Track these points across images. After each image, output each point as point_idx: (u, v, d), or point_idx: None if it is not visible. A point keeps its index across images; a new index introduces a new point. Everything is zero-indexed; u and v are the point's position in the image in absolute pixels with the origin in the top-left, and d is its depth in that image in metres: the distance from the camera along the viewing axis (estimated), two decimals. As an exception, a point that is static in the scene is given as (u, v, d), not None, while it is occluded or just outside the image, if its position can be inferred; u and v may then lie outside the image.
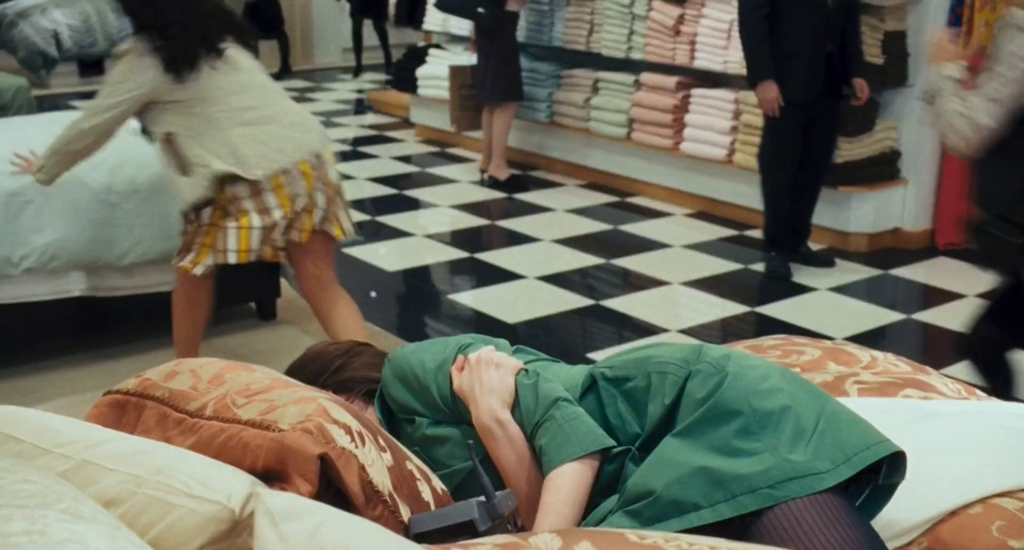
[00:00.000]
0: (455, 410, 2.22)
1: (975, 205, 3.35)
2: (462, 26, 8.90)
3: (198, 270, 4.12)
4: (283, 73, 13.16)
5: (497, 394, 2.14)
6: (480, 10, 7.65)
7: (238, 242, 4.05)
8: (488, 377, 2.16)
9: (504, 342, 2.38)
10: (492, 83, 7.79)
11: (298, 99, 11.71)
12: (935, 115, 3.25)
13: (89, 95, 5.49)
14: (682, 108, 7.35)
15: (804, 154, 6.01)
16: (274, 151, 4.01)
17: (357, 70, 13.09)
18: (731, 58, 6.94)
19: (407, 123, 10.13)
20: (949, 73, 3.30)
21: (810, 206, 6.22)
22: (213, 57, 3.99)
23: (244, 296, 5.40)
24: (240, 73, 4.08)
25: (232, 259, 4.07)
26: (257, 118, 4.04)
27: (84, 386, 4.55)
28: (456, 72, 8.43)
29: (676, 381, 2.05)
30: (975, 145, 3.15)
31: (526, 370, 2.20)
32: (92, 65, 12.91)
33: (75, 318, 4.83)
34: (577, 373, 2.24)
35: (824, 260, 6.24)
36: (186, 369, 2.07)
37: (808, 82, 5.83)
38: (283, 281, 5.46)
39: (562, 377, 2.21)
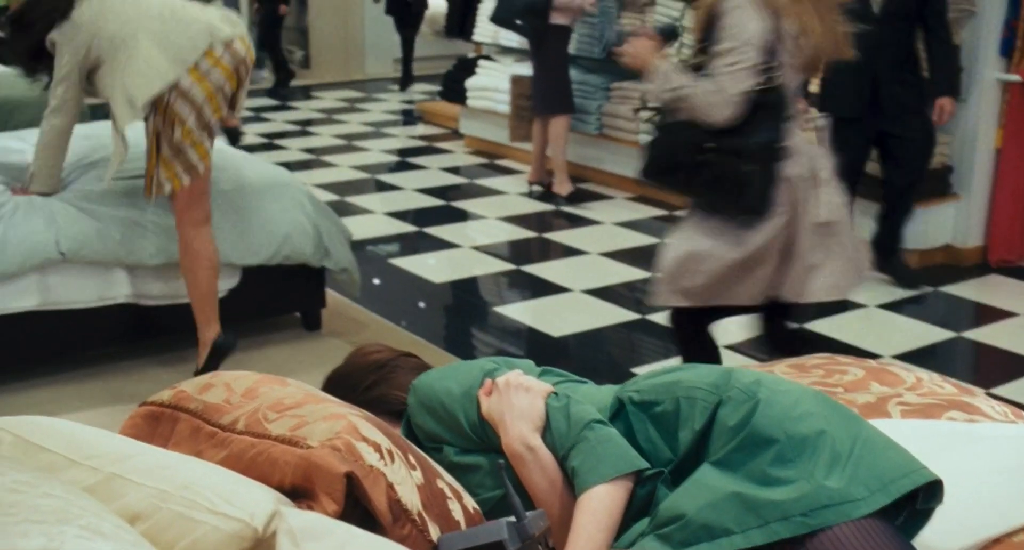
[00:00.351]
0: (484, 437, 2.18)
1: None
2: (512, 38, 8.89)
3: (182, 183, 4.43)
4: (281, 85, 13.21)
5: (527, 419, 2.11)
6: (518, 22, 7.68)
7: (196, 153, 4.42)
8: (518, 401, 2.12)
9: (530, 363, 2.35)
10: (542, 95, 7.79)
11: (347, 110, 11.78)
12: (685, 106, 3.47)
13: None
14: (732, 121, 7.31)
15: (885, 172, 6.01)
16: (155, 77, 4.26)
17: (404, 82, 13.11)
18: (782, 71, 6.89)
19: (456, 134, 10.14)
20: (671, 67, 3.54)
21: (889, 225, 6.13)
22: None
23: (289, 306, 5.41)
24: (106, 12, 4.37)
25: (201, 170, 4.45)
26: (127, 57, 4.30)
27: (126, 394, 4.57)
28: (516, 82, 8.43)
29: (706, 407, 2.01)
30: (735, 113, 3.41)
31: (555, 393, 2.17)
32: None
33: (120, 326, 4.85)
34: (605, 395, 2.20)
35: (913, 279, 6.15)
36: (220, 382, 2.07)
37: (853, 97, 5.79)
38: (328, 291, 5.47)
39: (590, 399, 2.18)
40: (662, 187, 3.87)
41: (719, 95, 3.38)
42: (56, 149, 4.59)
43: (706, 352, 3.97)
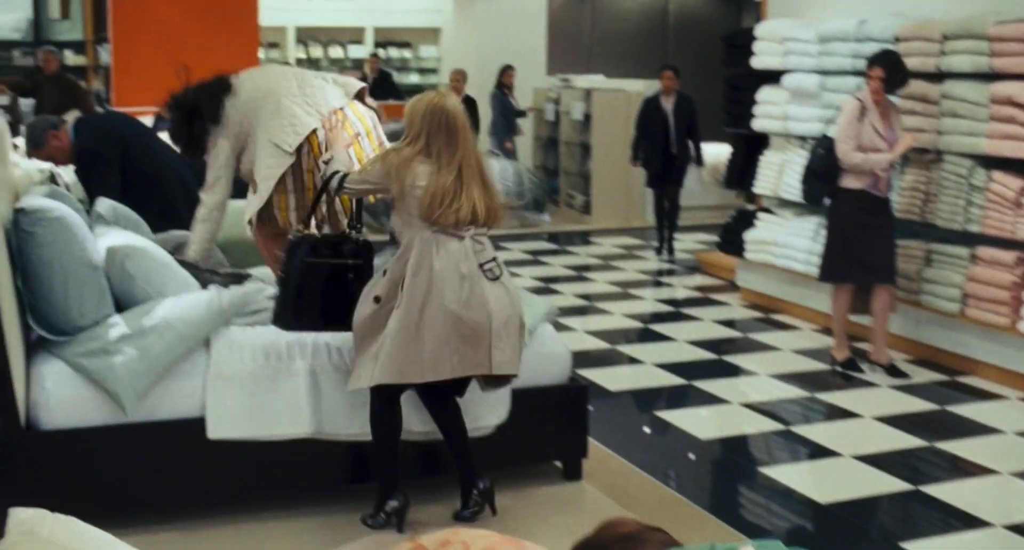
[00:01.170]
0: None
1: None
2: (792, 191, 8.78)
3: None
4: None
5: None
6: (802, 185, 7.44)
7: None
8: None
9: (777, 544, 2.23)
10: (825, 260, 7.47)
11: (625, 256, 11.86)
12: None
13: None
14: (1021, 285, 6.96)
15: None
16: (299, 125, 5.21)
17: (660, 247, 12.15)
18: (1078, 235, 6.55)
19: (733, 286, 10.02)
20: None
21: None
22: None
23: (549, 454, 5.39)
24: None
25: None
26: (272, 116, 5.22)
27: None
28: None
29: None
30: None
31: None
32: None
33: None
34: None
35: None
36: (459, 540, 2.07)
37: None
38: (591, 440, 5.43)
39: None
40: None
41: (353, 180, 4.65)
42: (211, 222, 5.35)
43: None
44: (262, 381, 4.71)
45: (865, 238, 7.15)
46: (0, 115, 8.15)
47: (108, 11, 13.03)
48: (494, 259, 4.53)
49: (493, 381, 4.69)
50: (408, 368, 4.44)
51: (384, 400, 4.60)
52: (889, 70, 6.96)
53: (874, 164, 7.00)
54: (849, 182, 7.11)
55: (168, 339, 4.62)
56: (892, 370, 7.27)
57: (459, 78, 12.93)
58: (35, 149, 6.44)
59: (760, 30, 9.34)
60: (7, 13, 16.11)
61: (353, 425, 4.78)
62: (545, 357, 5.21)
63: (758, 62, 9.33)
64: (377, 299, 4.51)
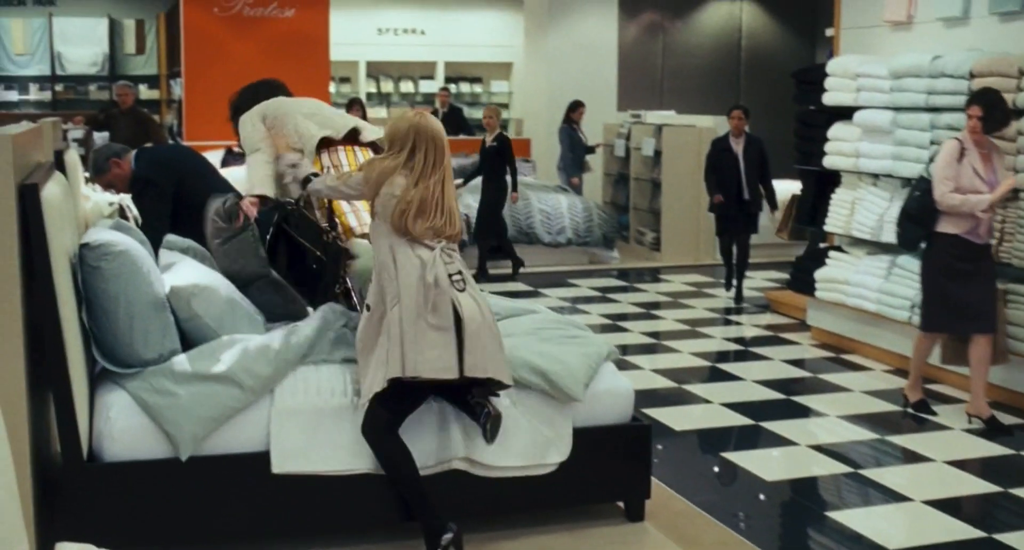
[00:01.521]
0: None
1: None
2: (864, 229, 8.65)
3: None
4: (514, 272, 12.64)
5: None
6: (897, 228, 7.19)
7: None
8: None
9: None
10: (924, 309, 7.20)
11: (694, 294, 11.74)
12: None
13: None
14: (1101, 327, 6.78)
15: None
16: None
17: (728, 283, 11.83)
18: None
19: (803, 325, 9.87)
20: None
21: None
22: None
23: (612, 493, 5.31)
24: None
25: None
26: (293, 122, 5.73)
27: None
28: None
29: None
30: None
31: None
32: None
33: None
34: None
35: None
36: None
37: None
38: (654, 480, 5.35)
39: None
40: None
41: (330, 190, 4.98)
42: (266, 163, 5.47)
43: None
44: (325, 416, 4.71)
45: (962, 285, 6.82)
46: (73, 148, 8.27)
47: (181, 46, 13.22)
48: (460, 272, 4.63)
49: (480, 389, 4.70)
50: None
51: (385, 430, 4.62)
52: (987, 109, 6.63)
53: (973, 206, 6.65)
54: (945, 226, 6.79)
55: (233, 392, 4.63)
56: (992, 423, 6.88)
57: (492, 114, 12.60)
58: (97, 175, 6.56)
59: (832, 66, 9.23)
60: (84, 48, 16.40)
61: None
62: (607, 395, 5.16)
63: (830, 98, 9.22)
64: (368, 307, 4.66)
